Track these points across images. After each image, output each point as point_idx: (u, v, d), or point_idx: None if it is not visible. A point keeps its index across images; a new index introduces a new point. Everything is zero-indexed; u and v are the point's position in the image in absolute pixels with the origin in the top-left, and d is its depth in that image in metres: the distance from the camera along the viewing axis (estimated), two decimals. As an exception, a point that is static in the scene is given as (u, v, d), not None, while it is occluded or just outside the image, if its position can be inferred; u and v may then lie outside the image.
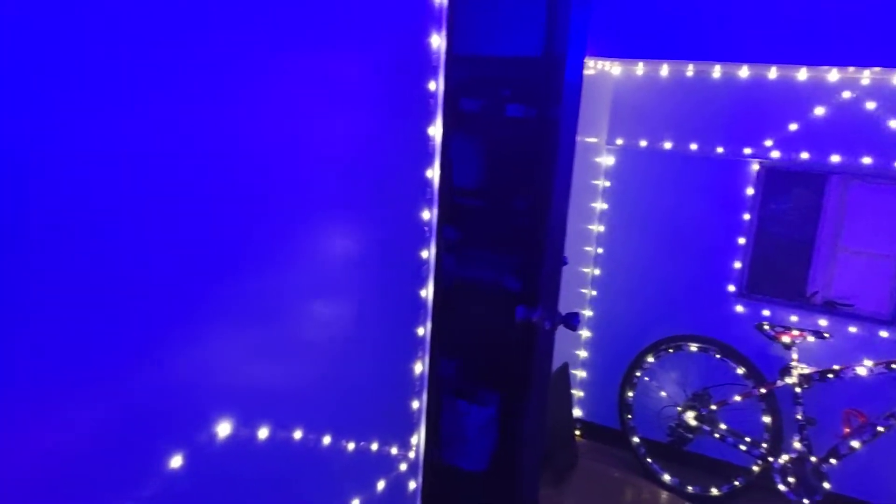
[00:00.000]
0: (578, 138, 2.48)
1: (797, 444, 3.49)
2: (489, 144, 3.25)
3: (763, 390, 3.61)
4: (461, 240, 3.24)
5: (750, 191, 3.73)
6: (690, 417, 3.80)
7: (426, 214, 2.04)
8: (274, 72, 1.35)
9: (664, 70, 3.80)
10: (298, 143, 1.46)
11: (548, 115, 2.31)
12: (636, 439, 4.06)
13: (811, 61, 3.28)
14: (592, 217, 4.16)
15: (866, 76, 3.32)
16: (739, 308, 3.83)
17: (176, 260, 1.21)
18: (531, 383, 2.33)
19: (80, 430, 1.09)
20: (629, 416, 4.08)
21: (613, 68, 3.94)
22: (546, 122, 2.43)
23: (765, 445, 3.63)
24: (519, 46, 2.88)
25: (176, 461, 1.28)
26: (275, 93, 1.36)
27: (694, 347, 3.84)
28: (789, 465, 3.51)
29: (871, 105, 3.36)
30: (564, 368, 4.13)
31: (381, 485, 2.07)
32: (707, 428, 3.77)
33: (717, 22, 3.46)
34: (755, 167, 3.70)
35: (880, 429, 3.33)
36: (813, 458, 3.45)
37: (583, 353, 4.36)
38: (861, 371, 3.36)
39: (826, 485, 3.42)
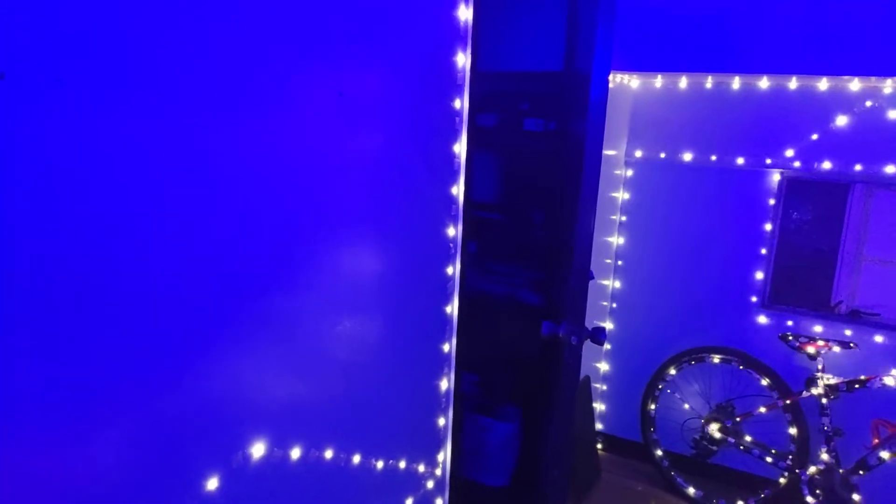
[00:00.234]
0: (600, 152, 2.48)
1: (824, 456, 3.45)
2: (510, 159, 3.26)
3: (788, 401, 3.57)
4: (481, 254, 3.25)
5: (771, 201, 3.70)
6: (714, 429, 3.77)
7: (451, 231, 2.05)
8: (308, 95, 1.36)
9: (683, 82, 3.79)
10: (330, 162, 1.47)
11: (571, 129, 2.31)
12: (659, 452, 4.03)
13: (832, 71, 3.27)
14: (612, 229, 4.15)
15: (889, 85, 3.30)
16: (762, 319, 3.80)
17: (212, 281, 1.22)
18: (558, 398, 2.32)
19: (119, 451, 1.10)
20: (652, 429, 4.05)
21: (632, 81, 3.94)
22: (568, 136, 2.44)
23: (791, 457, 3.59)
24: (540, 61, 2.89)
25: (212, 483, 1.28)
26: (307, 115, 1.37)
27: (716, 359, 3.81)
28: (817, 476, 3.47)
29: (893, 114, 3.33)
30: (586, 382, 4.11)
31: (409, 502, 2.06)
32: (732, 440, 3.73)
33: (735, 35, 3.46)
34: (776, 177, 3.68)
35: (910, 440, 3.29)
36: (841, 470, 3.41)
37: (604, 366, 4.34)
38: (889, 381, 3.32)
39: (856, 496, 3.37)
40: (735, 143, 3.73)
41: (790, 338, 3.52)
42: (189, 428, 1.23)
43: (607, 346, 4.30)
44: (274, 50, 1.26)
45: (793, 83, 3.51)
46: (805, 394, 3.49)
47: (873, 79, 3.24)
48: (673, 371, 3.93)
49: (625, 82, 3.94)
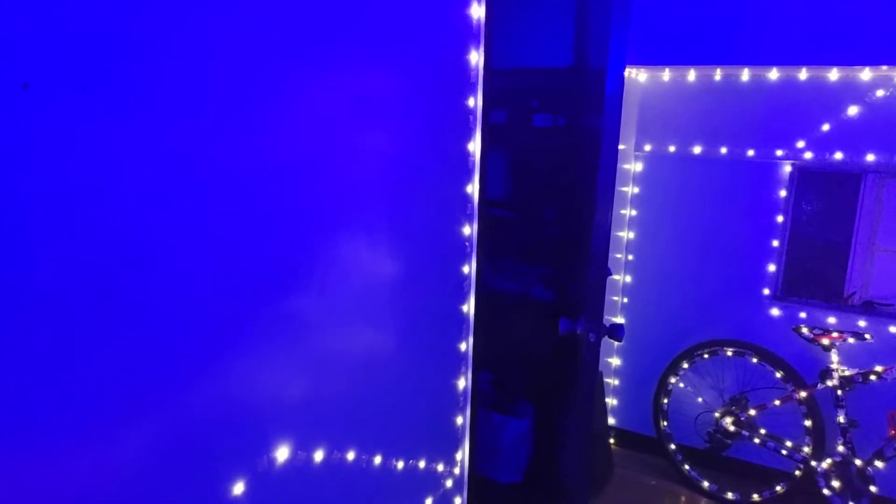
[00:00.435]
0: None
1: (840, 448, 3.43)
2: (522, 156, 3.24)
3: (803, 394, 3.56)
4: (493, 251, 3.24)
5: (783, 193, 3.69)
6: (728, 423, 3.76)
7: (466, 229, 2.04)
8: (327, 97, 1.36)
9: (691, 75, 3.77)
10: (349, 162, 1.46)
11: (587, 125, 2.30)
12: (673, 446, 4.02)
13: (843, 61, 3.25)
14: (622, 224, 4.13)
15: (900, 74, 3.28)
16: (775, 311, 3.79)
17: (232, 282, 1.21)
18: (575, 396, 2.32)
19: (143, 456, 1.10)
20: (665, 423, 4.04)
21: (640, 75, 3.92)
22: (584, 131, 2.43)
23: (806, 449, 3.58)
24: (554, 57, 2.87)
25: (238, 488, 1.28)
26: (325, 116, 1.37)
27: (729, 352, 3.80)
28: (833, 468, 3.46)
29: (905, 103, 3.31)
30: (598, 377, 4.10)
31: (428, 502, 2.06)
32: (746, 433, 3.72)
33: (743, 27, 3.44)
34: (788, 169, 3.66)
35: (927, 431, 3.28)
36: (857, 462, 3.39)
37: (616, 361, 4.33)
38: (904, 372, 3.31)
39: (873, 488, 3.36)
40: (745, 135, 3.71)
41: (804, 330, 3.51)
42: (214, 432, 1.22)
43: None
44: (296, 56, 1.26)
45: (803, 74, 3.49)
46: (820, 386, 3.48)
47: (884, 68, 3.22)
48: (685, 365, 3.92)
49: (633, 76, 3.92)
